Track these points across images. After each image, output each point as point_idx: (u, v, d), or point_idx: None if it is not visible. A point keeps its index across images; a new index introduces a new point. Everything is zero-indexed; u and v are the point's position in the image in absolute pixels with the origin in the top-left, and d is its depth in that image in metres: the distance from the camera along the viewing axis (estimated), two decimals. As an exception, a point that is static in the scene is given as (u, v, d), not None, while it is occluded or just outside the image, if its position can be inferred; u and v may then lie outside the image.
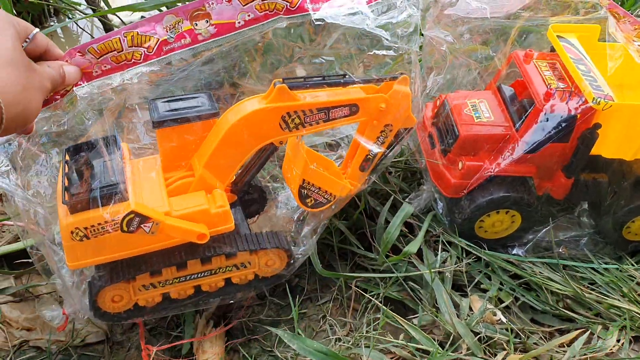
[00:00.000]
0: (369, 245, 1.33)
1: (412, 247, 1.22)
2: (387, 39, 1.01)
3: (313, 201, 1.13)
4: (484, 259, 1.27)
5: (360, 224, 1.35)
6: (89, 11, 2.19)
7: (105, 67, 0.95)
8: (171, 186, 1.02)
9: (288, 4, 0.97)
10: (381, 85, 1.05)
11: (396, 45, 1.03)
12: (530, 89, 1.17)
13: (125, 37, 0.94)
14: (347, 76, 1.03)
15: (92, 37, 2.23)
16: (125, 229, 0.92)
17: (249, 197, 1.20)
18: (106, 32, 2.08)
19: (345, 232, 1.34)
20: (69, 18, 2.27)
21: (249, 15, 0.97)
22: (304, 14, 0.98)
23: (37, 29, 0.86)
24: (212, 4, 0.95)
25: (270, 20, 0.98)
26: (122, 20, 2.08)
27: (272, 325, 1.24)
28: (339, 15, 0.98)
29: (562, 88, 1.15)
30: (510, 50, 1.26)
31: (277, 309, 1.30)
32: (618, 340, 1.18)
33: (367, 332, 1.19)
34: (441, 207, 1.32)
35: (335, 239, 1.33)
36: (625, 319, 1.20)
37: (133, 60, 0.96)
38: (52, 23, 2.37)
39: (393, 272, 1.24)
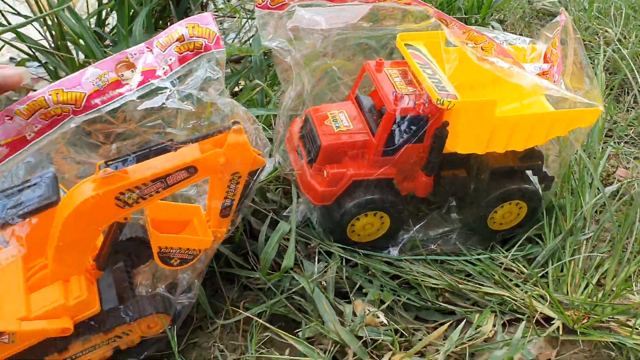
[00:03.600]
0: (254, 265, 1.33)
1: (288, 262, 1.23)
2: (191, 109, 1.03)
3: (178, 260, 1.11)
4: (361, 263, 1.30)
5: (244, 245, 1.35)
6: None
7: None
8: (31, 280, 1.00)
9: (72, 105, 0.98)
10: (215, 139, 1.02)
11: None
12: (382, 95, 1.22)
13: None
14: (173, 140, 1.00)
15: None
16: None
17: (133, 251, 1.18)
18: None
19: (229, 255, 1.33)
20: None
21: (36, 127, 0.97)
22: (93, 109, 0.99)
23: None
24: None
25: (61, 124, 0.99)
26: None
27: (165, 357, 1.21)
28: (132, 100, 0.99)
29: (410, 92, 1.21)
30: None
31: (167, 341, 1.26)
32: (494, 325, 1.24)
33: (256, 351, 1.18)
34: (316, 218, 1.34)
35: (217, 264, 1.32)
36: (498, 304, 1.27)
37: None
38: None
39: (276, 290, 1.25)
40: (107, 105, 0.98)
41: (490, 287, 1.29)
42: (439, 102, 1.14)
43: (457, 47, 1.23)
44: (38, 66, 1.98)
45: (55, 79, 1.82)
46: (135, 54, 1.00)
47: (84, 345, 1.06)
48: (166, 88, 1.00)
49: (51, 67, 1.83)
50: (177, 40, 1.01)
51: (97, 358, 1.10)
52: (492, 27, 2.29)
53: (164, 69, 1.01)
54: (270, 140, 1.54)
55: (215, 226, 1.13)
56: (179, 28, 1.02)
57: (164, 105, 1.00)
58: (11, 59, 2.39)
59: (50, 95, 0.96)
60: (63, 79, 0.98)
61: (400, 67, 1.30)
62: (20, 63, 1.99)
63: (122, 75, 0.99)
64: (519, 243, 1.39)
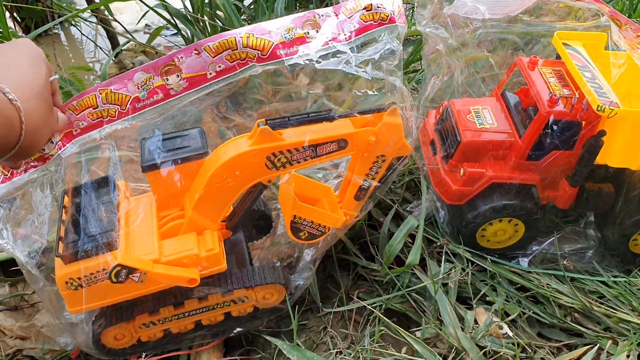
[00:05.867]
0: (370, 256, 1.31)
1: (414, 258, 1.19)
2: (368, 78, 1.00)
3: (306, 234, 1.11)
4: (489, 270, 1.24)
5: (363, 234, 1.33)
6: (93, 19, 2.20)
7: (82, 124, 0.96)
8: (163, 228, 1.02)
9: (259, 52, 0.96)
10: (370, 117, 1.02)
11: (378, 79, 1.02)
12: (534, 95, 1.15)
13: (100, 94, 0.94)
14: (332, 111, 1.00)
15: (96, 44, 2.23)
16: (114, 280, 0.94)
17: (254, 222, 1.20)
18: (110, 40, 2.11)
19: (346, 242, 1.31)
20: (72, 25, 2.28)
21: (219, 67, 0.96)
22: (277, 60, 0.97)
23: (56, 75, 0.89)
24: (181, 57, 0.95)
25: (242, 69, 0.97)
26: (125, 28, 2.08)
27: (272, 336, 1.21)
28: (314, 58, 0.97)
29: (566, 95, 1.13)
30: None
31: (277, 319, 1.27)
32: (628, 356, 1.14)
33: (369, 344, 1.16)
34: (442, 216, 1.29)
35: (335, 250, 1.31)
36: (635, 333, 1.17)
37: (108, 117, 0.96)
38: (55, 30, 2.38)
39: (395, 284, 1.21)
40: (290, 59, 0.97)
41: (627, 313, 1.19)
42: (599, 108, 1.05)
43: (625, 52, 1.13)
44: (173, 34, 2.05)
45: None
46: (322, 15, 0.99)
47: (200, 304, 1.07)
48: (345, 53, 0.98)
49: (187, 36, 1.88)
50: (364, 9, 0.99)
51: (207, 320, 1.12)
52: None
53: (346, 35, 0.99)
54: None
55: (347, 207, 1.11)
56: None
57: (341, 68, 0.97)
58: (146, 25, 2.49)
59: (241, 37, 0.94)
60: (254, 25, 0.97)
61: (555, 67, 1.22)
62: (157, 31, 2.06)
63: (308, 33, 0.97)
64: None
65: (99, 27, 2.27)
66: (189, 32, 1.84)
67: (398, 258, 1.27)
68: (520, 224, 1.22)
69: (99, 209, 0.99)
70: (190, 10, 1.80)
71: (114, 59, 2.11)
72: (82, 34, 2.26)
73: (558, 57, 1.24)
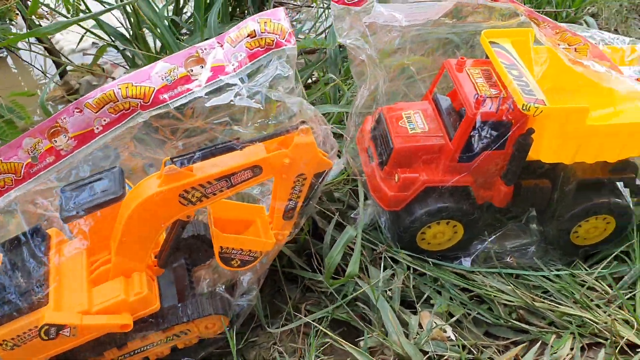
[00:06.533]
0: (318, 267, 1.30)
1: (353, 268, 1.18)
2: (259, 107, 1.00)
3: (238, 262, 1.09)
4: (429, 275, 1.24)
5: (308, 246, 1.32)
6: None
7: None
8: (94, 274, 1.01)
9: (141, 100, 0.97)
10: (282, 139, 1.00)
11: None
12: (462, 96, 1.15)
13: None
14: (239, 139, 0.99)
15: (42, 70, 2.19)
16: (44, 337, 0.93)
17: (195, 247, 1.18)
18: (54, 63, 2.08)
19: (291, 256, 1.31)
20: (11, 50, 2.25)
21: (104, 120, 0.97)
22: (161, 104, 0.98)
23: None
24: (65, 118, 0.96)
25: (129, 118, 0.98)
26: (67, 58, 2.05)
27: (223, 356, 1.20)
28: (202, 95, 0.97)
29: (493, 95, 1.13)
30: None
31: (225, 342, 1.26)
32: (571, 349, 1.15)
33: (316, 357, 1.15)
34: (384, 221, 1.29)
35: (280, 263, 1.30)
36: (578, 326, 1.17)
37: (6, 186, 0.99)
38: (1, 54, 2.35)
39: (338, 295, 1.21)
40: (175, 101, 0.97)
41: (570, 307, 1.20)
42: (524, 107, 1.05)
43: (546, 46, 1.13)
44: (117, 52, 2.02)
45: (133, 67, 1.85)
46: (205, 49, 0.99)
47: (142, 342, 1.07)
48: (235, 85, 0.98)
49: (129, 55, 1.86)
50: (248, 36, 0.99)
51: (154, 355, 1.11)
52: (586, 22, 2.13)
53: (233, 65, 0.98)
54: (342, 136, 1.50)
55: (278, 228, 1.10)
56: (250, 23, 0.99)
57: (232, 103, 0.97)
58: (94, 43, 2.46)
59: (119, 88, 0.95)
60: (132, 73, 0.98)
61: (484, 67, 1.22)
62: (101, 50, 2.03)
63: (192, 70, 0.97)
64: (604, 260, 1.28)
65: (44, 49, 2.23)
66: (129, 52, 1.82)
67: (343, 268, 1.26)
68: (458, 225, 1.22)
69: (27, 263, 0.98)
70: (129, 29, 1.78)
71: (58, 81, 2.07)
72: (22, 59, 2.23)
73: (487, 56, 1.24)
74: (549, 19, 1.10)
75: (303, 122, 0.98)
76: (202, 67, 0.98)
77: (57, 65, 2.08)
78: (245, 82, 0.98)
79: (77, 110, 0.95)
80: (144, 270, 1.03)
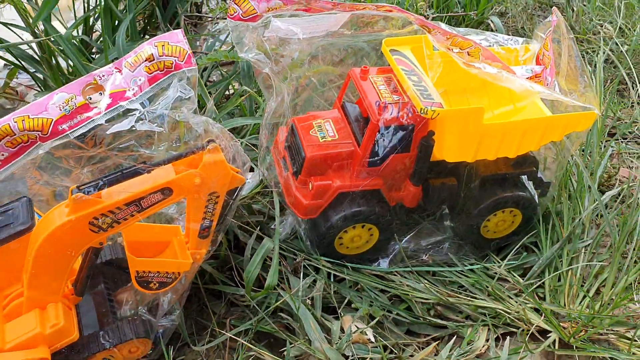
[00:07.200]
0: (240, 281, 1.30)
1: (272, 280, 1.19)
2: (162, 130, 1.01)
3: (156, 284, 1.08)
4: (347, 279, 1.26)
5: (229, 260, 1.32)
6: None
7: None
8: (7, 309, 0.99)
9: (39, 132, 0.96)
10: (190, 159, 1.00)
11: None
12: (366, 104, 1.18)
13: None
14: (147, 163, 0.98)
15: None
16: None
17: (113, 271, 1.17)
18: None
19: (212, 272, 1.30)
20: None
21: (2, 155, 0.96)
22: (61, 135, 0.97)
23: None
24: None
25: (29, 150, 0.97)
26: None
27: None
28: (100, 124, 0.97)
29: (395, 100, 1.17)
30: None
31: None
32: (487, 340, 1.20)
33: (242, 371, 1.16)
34: (303, 230, 1.31)
35: (202, 280, 1.29)
36: (493, 317, 1.22)
37: None
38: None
39: (260, 307, 1.22)
40: (75, 130, 0.96)
41: (484, 299, 1.25)
42: (422, 111, 1.09)
43: (440, 51, 1.18)
44: (28, 76, 1.96)
45: (45, 89, 1.80)
46: (103, 76, 0.98)
47: None
48: (136, 110, 0.98)
49: (40, 77, 1.81)
50: (146, 60, 0.99)
51: None
52: (492, 22, 2.23)
53: (133, 90, 0.98)
54: (256, 147, 1.51)
55: (194, 247, 1.10)
56: (147, 47, 0.99)
57: (134, 128, 0.97)
58: (5, 65, 2.38)
59: (15, 122, 0.94)
60: (30, 105, 0.96)
61: (386, 74, 1.26)
62: (10, 73, 1.97)
63: (90, 98, 0.97)
64: (513, 252, 1.34)
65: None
66: (40, 74, 1.77)
67: (264, 280, 1.27)
68: (373, 228, 1.26)
69: None
70: (37, 51, 1.73)
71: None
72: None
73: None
74: (439, 26, 1.15)
75: (211, 141, 0.98)
76: (101, 94, 0.97)
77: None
78: (146, 107, 0.98)
79: None
80: (59, 300, 1.00)
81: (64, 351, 1.02)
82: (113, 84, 0.98)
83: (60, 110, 0.95)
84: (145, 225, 1.11)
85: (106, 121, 0.96)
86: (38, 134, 0.95)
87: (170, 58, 0.99)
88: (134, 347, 1.10)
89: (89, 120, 0.96)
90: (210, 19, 2.24)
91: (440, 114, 1.09)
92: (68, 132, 0.96)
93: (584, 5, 2.48)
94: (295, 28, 1.10)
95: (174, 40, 1.00)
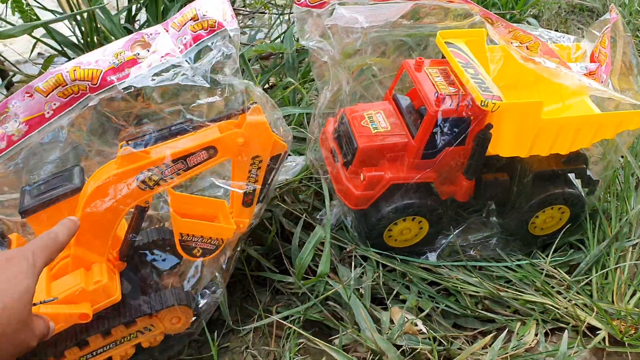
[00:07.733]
0: (286, 269, 1.30)
1: (324, 268, 1.20)
2: (206, 85, 1.01)
3: (200, 251, 1.08)
4: (398, 269, 1.26)
5: (276, 248, 1.33)
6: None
7: None
8: (54, 269, 0.99)
9: (89, 82, 0.97)
10: (236, 120, 1.01)
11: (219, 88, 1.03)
12: (422, 95, 1.18)
13: None
14: (193, 120, 1.00)
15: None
16: None
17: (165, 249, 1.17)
18: (2, 79, 2.01)
19: (259, 259, 1.31)
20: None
21: (54, 104, 0.96)
22: (109, 86, 0.98)
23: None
24: (15, 103, 0.95)
25: (79, 102, 0.97)
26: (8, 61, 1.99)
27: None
28: (147, 77, 0.98)
29: (452, 93, 1.17)
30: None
31: (198, 346, 1.24)
32: (536, 335, 1.19)
33: (290, 358, 1.16)
34: (350, 221, 1.31)
35: (248, 267, 1.30)
36: (541, 312, 1.22)
37: None
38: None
39: (310, 295, 1.22)
40: (122, 82, 0.97)
41: (532, 294, 1.25)
42: (483, 103, 1.09)
43: (500, 45, 1.18)
44: (66, 61, 1.97)
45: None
46: (150, 34, 0.99)
47: (105, 340, 1.04)
48: (180, 65, 0.98)
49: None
50: (191, 19, 1.00)
51: (118, 355, 1.08)
52: (529, 22, 2.23)
53: (179, 48, 0.99)
54: (303, 140, 1.51)
55: (238, 215, 1.10)
56: (193, 7, 1.01)
57: (177, 82, 0.98)
58: (39, 54, 2.39)
59: (67, 72, 0.94)
60: (81, 57, 0.97)
61: (441, 66, 1.26)
62: (49, 59, 1.98)
63: (138, 54, 0.98)
64: (560, 249, 1.34)
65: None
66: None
67: (312, 268, 1.27)
68: (424, 221, 1.26)
69: None
70: (80, 37, 1.74)
71: (4, 92, 2.00)
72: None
73: (444, 56, 1.28)
74: (502, 18, 1.15)
75: (254, 103, 0.99)
76: (149, 50, 0.98)
77: (2, 75, 2.01)
78: (190, 63, 0.99)
79: (28, 95, 0.94)
80: (104, 262, 1.00)
81: (106, 315, 1.01)
82: (160, 42, 0.99)
83: (110, 62, 0.97)
84: (192, 197, 1.11)
85: (153, 76, 0.97)
86: (88, 84, 0.95)
87: (213, 17, 1.01)
88: (175, 318, 1.09)
89: (137, 73, 0.97)
90: (246, 13, 2.25)
91: (501, 107, 1.09)
92: (116, 84, 0.97)
93: (620, 9, 2.47)
94: (358, 16, 1.10)
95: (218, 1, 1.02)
